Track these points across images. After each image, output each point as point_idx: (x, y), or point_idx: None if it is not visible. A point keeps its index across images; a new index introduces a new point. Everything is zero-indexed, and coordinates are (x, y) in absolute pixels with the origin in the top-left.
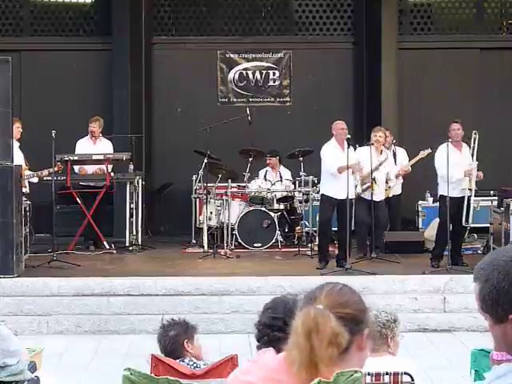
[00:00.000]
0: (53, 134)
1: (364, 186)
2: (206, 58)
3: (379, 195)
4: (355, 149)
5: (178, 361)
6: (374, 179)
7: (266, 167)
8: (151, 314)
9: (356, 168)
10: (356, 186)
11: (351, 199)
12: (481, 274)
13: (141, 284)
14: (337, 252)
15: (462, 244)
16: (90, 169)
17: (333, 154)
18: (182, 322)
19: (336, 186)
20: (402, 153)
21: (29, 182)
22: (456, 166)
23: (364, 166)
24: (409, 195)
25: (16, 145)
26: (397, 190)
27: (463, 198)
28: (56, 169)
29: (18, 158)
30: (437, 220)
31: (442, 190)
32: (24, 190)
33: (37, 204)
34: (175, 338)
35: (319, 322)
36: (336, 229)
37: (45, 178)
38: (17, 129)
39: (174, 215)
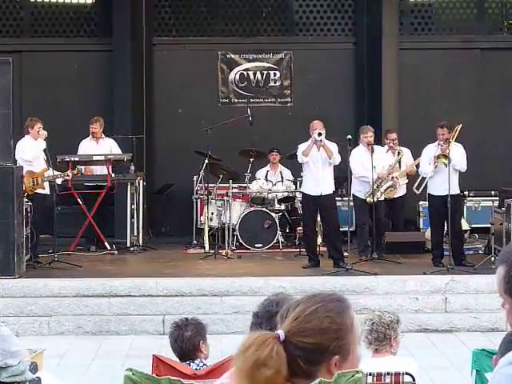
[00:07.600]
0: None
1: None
2: (206, 59)
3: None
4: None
5: (187, 363)
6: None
7: (266, 167)
8: (152, 315)
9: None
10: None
11: (328, 195)
12: (507, 257)
13: (142, 285)
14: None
15: (462, 244)
16: (95, 169)
17: (302, 148)
18: (196, 322)
19: (308, 181)
20: (406, 153)
21: (51, 182)
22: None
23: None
24: (410, 195)
25: (41, 146)
26: (401, 191)
27: (447, 196)
28: (75, 172)
29: (41, 159)
30: None
31: (428, 189)
32: (43, 191)
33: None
34: (191, 339)
35: (251, 348)
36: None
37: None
38: (37, 129)
39: (175, 216)
